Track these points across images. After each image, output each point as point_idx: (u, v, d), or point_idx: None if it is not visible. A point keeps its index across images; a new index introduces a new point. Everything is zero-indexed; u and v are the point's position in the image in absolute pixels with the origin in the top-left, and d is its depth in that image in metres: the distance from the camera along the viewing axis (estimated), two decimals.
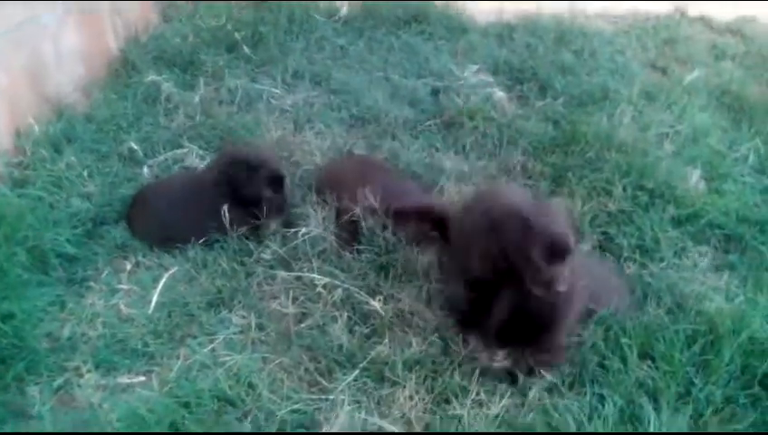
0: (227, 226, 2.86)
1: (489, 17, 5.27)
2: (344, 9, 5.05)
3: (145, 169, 3.43)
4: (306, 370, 2.40)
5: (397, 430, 2.10)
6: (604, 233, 3.11)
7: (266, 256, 2.87)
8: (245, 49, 4.59)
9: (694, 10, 5.60)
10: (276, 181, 2.93)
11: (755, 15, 5.53)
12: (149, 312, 2.65)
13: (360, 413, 2.15)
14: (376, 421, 2.12)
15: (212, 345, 2.50)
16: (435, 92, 4.26)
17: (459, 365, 2.40)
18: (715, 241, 3.14)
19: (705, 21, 5.52)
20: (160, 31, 4.64)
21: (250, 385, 2.28)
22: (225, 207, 2.84)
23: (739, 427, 2.16)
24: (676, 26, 5.34)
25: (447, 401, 2.28)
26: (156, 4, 4.80)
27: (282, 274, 2.78)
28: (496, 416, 2.22)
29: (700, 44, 5.07)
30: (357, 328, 2.56)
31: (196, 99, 4.00)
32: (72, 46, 3.81)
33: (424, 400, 2.26)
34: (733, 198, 3.34)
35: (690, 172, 3.45)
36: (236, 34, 4.64)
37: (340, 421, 2.07)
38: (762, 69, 4.75)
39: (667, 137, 3.80)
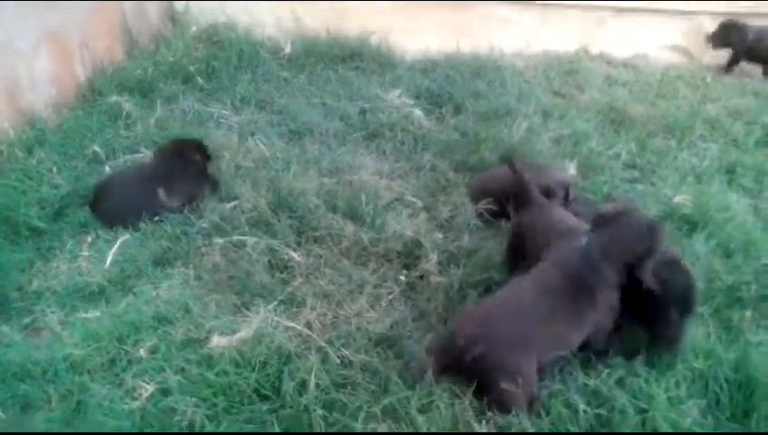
0: (166, 202, 3.50)
1: (416, 55, 6.03)
2: (288, 47, 5.76)
3: (107, 168, 3.99)
4: (234, 304, 2.94)
5: (300, 328, 2.64)
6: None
7: (205, 225, 3.44)
8: (199, 80, 5.24)
9: (595, 49, 6.45)
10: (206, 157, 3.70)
11: (647, 53, 6.40)
12: (105, 267, 3.18)
13: (273, 319, 2.69)
14: (285, 323, 2.66)
15: (156, 291, 3.04)
16: (362, 112, 4.93)
17: (360, 293, 2.98)
18: None
19: (603, 57, 6.36)
20: (124, 65, 5.27)
21: (185, 309, 2.81)
22: (161, 190, 3.53)
23: None
24: (578, 61, 6.16)
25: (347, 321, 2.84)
26: (121, 42, 5.44)
27: (217, 239, 3.34)
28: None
29: (597, 75, 5.88)
30: (277, 274, 3.12)
31: (153, 117, 4.61)
32: (45, 70, 4.40)
33: (327, 315, 2.82)
34: (601, 182, 4.03)
35: (567, 164, 4.13)
36: (191, 68, 5.30)
37: (254, 324, 2.59)
38: (646, 93, 5.53)
39: (554, 141, 4.50)
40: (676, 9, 6.42)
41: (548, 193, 3.45)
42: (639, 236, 2.53)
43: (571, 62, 6.15)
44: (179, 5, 6.31)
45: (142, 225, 3.48)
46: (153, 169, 3.71)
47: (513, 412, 2.33)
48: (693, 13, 6.46)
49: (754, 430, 2.39)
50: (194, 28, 5.98)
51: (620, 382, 2.51)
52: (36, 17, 4.29)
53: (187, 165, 3.70)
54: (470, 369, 2.40)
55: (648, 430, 2.32)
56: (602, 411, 2.39)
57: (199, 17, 6.13)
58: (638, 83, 5.77)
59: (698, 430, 2.33)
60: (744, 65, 6.29)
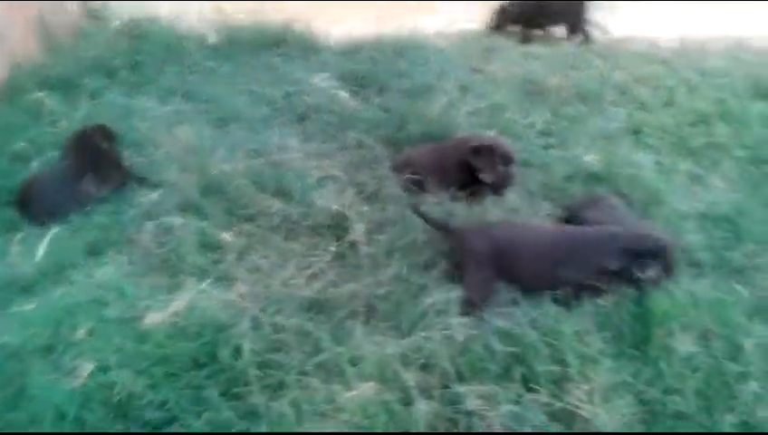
0: (94, 192, 3.57)
1: (340, 40, 6.16)
2: (212, 38, 5.81)
3: (33, 165, 3.99)
4: (167, 285, 3.03)
5: (233, 298, 2.76)
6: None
7: (135, 211, 3.50)
8: (124, 73, 5.25)
9: (514, 28, 6.73)
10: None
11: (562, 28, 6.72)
12: (36, 260, 3.22)
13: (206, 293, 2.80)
14: (217, 296, 2.77)
15: (90, 280, 3.10)
16: (288, 96, 5.05)
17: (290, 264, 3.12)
18: None
19: (518, 35, 6.65)
20: (43, 60, 5.22)
21: (120, 291, 2.89)
22: (87, 180, 3.61)
23: None
24: (495, 40, 6.42)
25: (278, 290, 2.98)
26: (38, 37, 5.38)
27: (148, 225, 3.41)
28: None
29: (514, 52, 6.15)
30: (209, 254, 3.23)
31: (79, 113, 4.60)
32: None
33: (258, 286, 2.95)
34: (520, 148, 4.27)
35: (487, 133, 4.35)
36: (115, 62, 5.30)
37: (185, 295, 2.71)
38: (560, 65, 5.81)
39: (472, 114, 4.72)
40: None
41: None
42: None
43: (490, 40, 6.40)
44: (96, 5, 6.27)
45: (72, 218, 3.52)
46: (73, 161, 3.74)
47: (438, 352, 2.54)
48: None
49: (650, 355, 2.64)
50: (117, 22, 5.95)
51: (532, 323, 2.73)
52: None
53: (101, 153, 3.78)
54: None
55: (557, 361, 2.54)
56: (516, 349, 2.60)
57: (120, 12, 6.10)
58: (552, 57, 6.05)
59: (601, 357, 2.57)
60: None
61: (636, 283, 2.91)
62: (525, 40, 6.67)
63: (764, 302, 3.02)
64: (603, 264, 2.91)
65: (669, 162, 4.28)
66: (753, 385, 2.53)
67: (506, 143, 3.97)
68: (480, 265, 3.01)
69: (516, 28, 6.81)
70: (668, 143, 4.54)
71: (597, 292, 2.90)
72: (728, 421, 2.44)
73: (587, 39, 6.59)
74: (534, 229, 3.25)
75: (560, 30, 6.79)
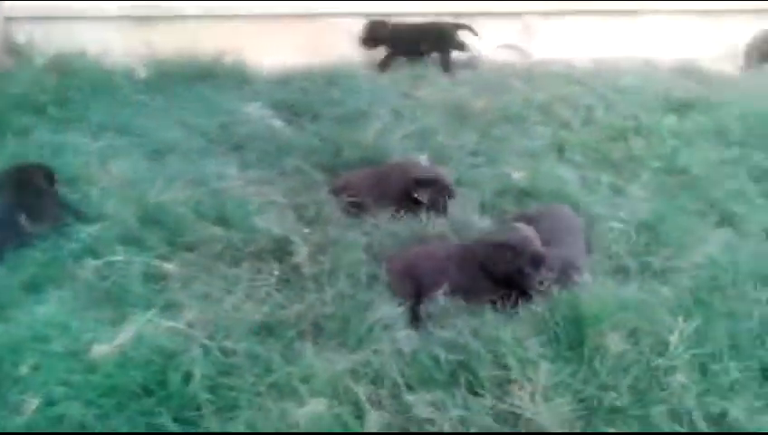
0: (28, 228, 3.52)
1: (272, 70, 6.26)
2: (141, 71, 5.80)
3: None
4: (112, 318, 3.00)
5: (180, 326, 2.77)
6: None
7: (74, 246, 3.46)
8: (52, 110, 5.16)
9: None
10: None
11: (484, 53, 7.02)
12: None
13: (153, 322, 2.80)
14: (165, 324, 2.78)
15: (31, 316, 3.03)
16: (223, 126, 5.10)
17: (236, 290, 3.15)
18: None
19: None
20: None
21: (63, 326, 2.85)
22: (23, 216, 3.53)
23: None
24: (424, 66, 6.66)
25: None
26: None
27: (89, 259, 3.37)
28: None
29: (442, 78, 6.40)
30: (153, 285, 3.22)
31: (6, 151, 4.49)
32: None
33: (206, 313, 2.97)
34: (451, 168, 4.45)
35: (419, 156, 4.52)
36: (42, 98, 5.21)
37: (131, 326, 2.70)
38: (487, 90, 6.08)
39: (405, 138, 4.89)
40: (505, 11, 7.12)
41: None
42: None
43: (418, 67, 6.64)
44: (20, 36, 6.15)
45: (8, 256, 3.44)
46: (7, 197, 3.68)
47: (386, 365, 2.64)
48: (520, 13, 7.19)
49: (585, 355, 2.81)
50: (41, 59, 5.85)
51: (474, 332, 2.86)
52: None
53: (38, 190, 3.74)
54: None
55: (499, 366, 2.68)
56: (461, 357, 2.72)
57: (45, 47, 6.00)
58: (480, 82, 6.33)
59: (540, 360, 2.72)
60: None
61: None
62: (383, 66, 6.75)
63: (685, 300, 3.25)
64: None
65: (592, 176, 4.56)
66: (679, 377, 2.73)
67: (447, 175, 4.14)
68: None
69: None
70: (590, 159, 4.84)
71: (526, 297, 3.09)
72: (658, 411, 2.62)
73: (448, 67, 6.73)
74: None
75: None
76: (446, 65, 6.72)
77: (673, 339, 2.86)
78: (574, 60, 7.00)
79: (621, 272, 3.52)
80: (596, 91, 5.99)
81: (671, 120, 5.28)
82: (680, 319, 2.98)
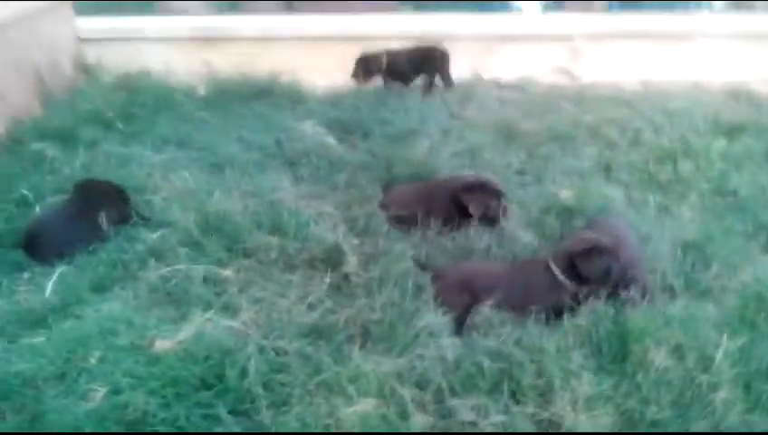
0: (98, 230, 3.78)
1: (325, 90, 6.49)
2: (201, 90, 6.10)
3: (37, 209, 4.16)
4: (173, 316, 3.18)
5: (237, 326, 2.93)
6: None
7: (139, 249, 3.68)
8: (119, 124, 5.49)
9: (488, 75, 7.12)
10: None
11: (532, 75, 7.11)
12: (45, 297, 3.37)
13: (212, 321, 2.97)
14: (223, 323, 2.94)
15: (98, 313, 3.24)
16: (279, 142, 5.31)
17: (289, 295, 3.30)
18: None
19: (495, 81, 7.03)
20: (41, 115, 5.45)
21: (128, 322, 3.04)
22: (103, 215, 3.75)
23: None
24: (473, 87, 6.79)
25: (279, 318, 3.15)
26: (35, 93, 5.62)
27: (152, 262, 3.58)
28: None
29: (489, 97, 6.51)
30: (212, 287, 3.40)
31: (77, 161, 4.80)
32: None
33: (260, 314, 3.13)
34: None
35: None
36: (110, 114, 5.54)
37: (192, 324, 2.88)
38: (533, 111, 6.16)
39: (453, 155, 5.01)
40: (554, 34, 7.21)
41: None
42: None
43: (466, 87, 6.77)
44: (91, 56, 6.55)
45: (78, 257, 3.69)
46: (80, 201, 3.94)
47: (431, 370, 2.73)
48: (570, 37, 7.27)
49: (628, 369, 2.86)
50: (110, 78, 6.22)
51: (518, 342, 2.94)
52: None
53: (108, 193, 4.02)
54: None
55: (544, 375, 2.75)
56: (504, 365, 2.80)
57: (113, 67, 6.38)
58: (526, 102, 6.42)
59: (583, 371, 2.77)
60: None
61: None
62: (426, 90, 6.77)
63: (731, 318, 3.27)
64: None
65: (639, 196, 4.58)
66: (722, 393, 2.75)
67: (496, 182, 4.23)
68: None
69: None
70: (638, 179, 4.86)
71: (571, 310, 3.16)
72: (700, 427, 2.65)
73: (430, 89, 6.76)
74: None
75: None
76: (430, 88, 6.80)
77: (717, 356, 2.89)
78: (623, 83, 7.02)
79: (667, 290, 3.54)
80: (644, 113, 5.99)
81: (720, 143, 5.25)
82: (725, 337, 3.00)
